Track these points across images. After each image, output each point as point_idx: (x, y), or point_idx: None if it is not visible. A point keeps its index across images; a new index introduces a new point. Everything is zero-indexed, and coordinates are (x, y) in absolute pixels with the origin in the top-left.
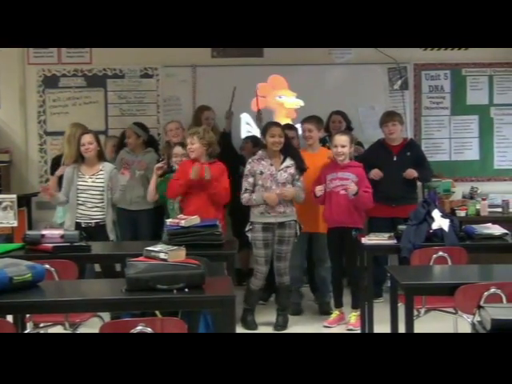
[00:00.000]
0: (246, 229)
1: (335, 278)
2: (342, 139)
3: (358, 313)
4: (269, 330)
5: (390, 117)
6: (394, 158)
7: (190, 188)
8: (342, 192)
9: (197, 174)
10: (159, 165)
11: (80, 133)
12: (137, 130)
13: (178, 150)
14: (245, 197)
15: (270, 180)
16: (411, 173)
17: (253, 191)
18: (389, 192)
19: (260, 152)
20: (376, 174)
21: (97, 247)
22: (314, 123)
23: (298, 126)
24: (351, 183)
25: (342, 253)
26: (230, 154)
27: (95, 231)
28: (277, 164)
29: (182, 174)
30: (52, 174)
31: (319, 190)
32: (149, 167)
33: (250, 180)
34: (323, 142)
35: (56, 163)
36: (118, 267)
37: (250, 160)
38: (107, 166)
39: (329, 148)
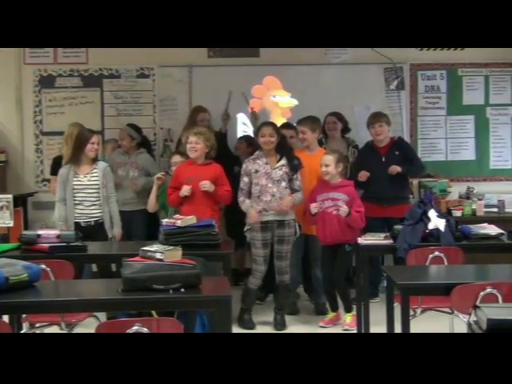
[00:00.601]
0: (245, 229)
1: (327, 289)
2: (326, 159)
3: (353, 313)
4: (266, 329)
5: (376, 118)
6: (383, 159)
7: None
8: (335, 212)
9: (187, 192)
10: (159, 175)
11: (78, 131)
12: (131, 133)
13: (176, 158)
14: (240, 199)
15: (265, 178)
16: (393, 168)
17: (249, 191)
18: (380, 192)
19: (257, 152)
20: (363, 175)
21: (93, 247)
22: (308, 124)
23: None
24: (342, 203)
25: (333, 265)
26: (225, 155)
27: (94, 230)
28: (272, 163)
29: (177, 180)
30: (52, 173)
31: (314, 207)
32: (142, 168)
33: (245, 179)
34: (320, 143)
35: (57, 163)
36: (113, 267)
37: (245, 160)
38: (100, 164)
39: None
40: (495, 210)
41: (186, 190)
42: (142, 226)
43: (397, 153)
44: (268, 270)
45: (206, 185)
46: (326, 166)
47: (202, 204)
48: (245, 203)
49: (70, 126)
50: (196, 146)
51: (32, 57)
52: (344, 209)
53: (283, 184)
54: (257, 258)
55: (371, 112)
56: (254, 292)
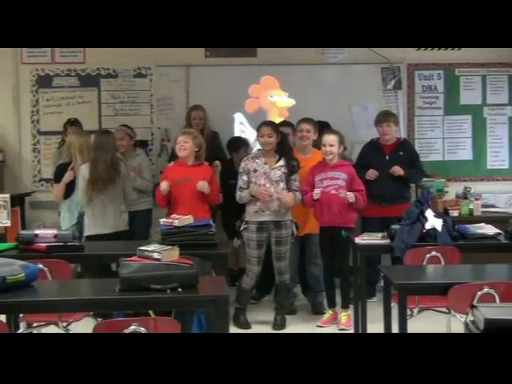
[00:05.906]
0: (241, 228)
1: (327, 278)
2: (330, 138)
3: (349, 312)
4: (262, 329)
5: (385, 117)
6: (387, 158)
7: (178, 191)
8: (333, 192)
9: (165, 186)
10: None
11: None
12: (128, 131)
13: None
14: (237, 195)
15: (263, 178)
16: (397, 169)
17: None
18: (381, 191)
19: (256, 151)
20: (372, 173)
21: (90, 246)
22: (314, 125)
23: None
24: (342, 182)
25: (333, 252)
26: (220, 154)
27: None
28: (271, 163)
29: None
30: (56, 181)
31: (317, 193)
32: (139, 170)
33: (244, 178)
34: (317, 144)
35: (61, 170)
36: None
37: (244, 158)
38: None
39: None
40: (492, 209)
41: (163, 185)
42: (144, 225)
43: (401, 153)
44: (264, 270)
45: (204, 186)
46: (331, 145)
47: (194, 206)
48: (245, 195)
49: (77, 136)
50: (185, 144)
51: (29, 56)
52: (351, 195)
53: (281, 185)
54: (251, 258)
55: (369, 112)
56: (247, 292)
